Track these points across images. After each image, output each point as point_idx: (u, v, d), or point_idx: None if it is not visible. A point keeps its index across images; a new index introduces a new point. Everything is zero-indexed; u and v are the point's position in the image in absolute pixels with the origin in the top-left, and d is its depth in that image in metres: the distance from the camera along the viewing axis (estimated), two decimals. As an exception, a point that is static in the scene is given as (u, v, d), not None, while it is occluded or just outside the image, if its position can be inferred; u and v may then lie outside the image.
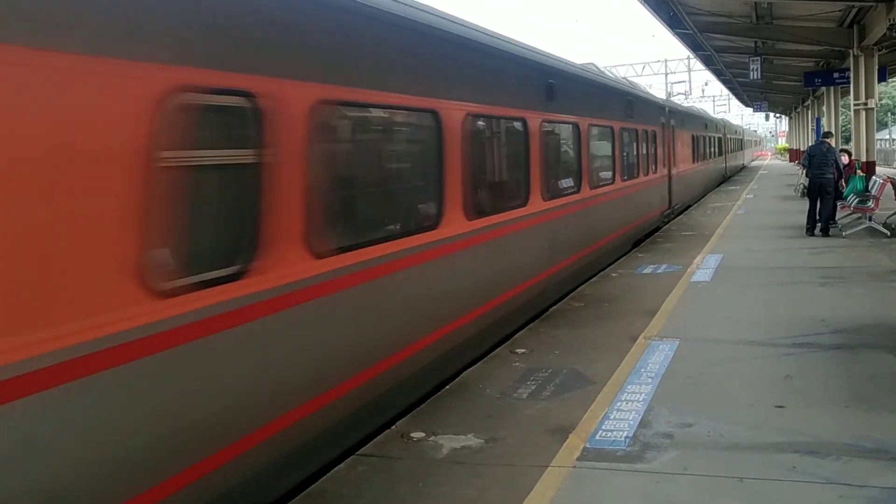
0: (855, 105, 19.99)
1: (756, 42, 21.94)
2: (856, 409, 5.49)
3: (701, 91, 77.35)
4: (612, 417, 5.51)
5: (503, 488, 4.46)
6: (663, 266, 12.23)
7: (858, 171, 16.17)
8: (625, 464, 4.72)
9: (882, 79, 23.29)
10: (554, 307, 9.53)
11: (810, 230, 15.41)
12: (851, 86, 20.14)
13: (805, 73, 24.57)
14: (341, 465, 4.89)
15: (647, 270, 11.95)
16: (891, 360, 6.60)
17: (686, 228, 17.83)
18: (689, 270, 11.62)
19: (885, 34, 17.23)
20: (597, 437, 5.15)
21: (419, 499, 4.38)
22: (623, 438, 5.10)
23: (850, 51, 19.65)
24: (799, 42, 21.82)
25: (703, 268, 11.82)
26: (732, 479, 4.44)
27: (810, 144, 18.18)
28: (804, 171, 16.79)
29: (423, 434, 5.36)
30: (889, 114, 69.07)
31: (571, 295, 10.25)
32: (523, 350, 7.49)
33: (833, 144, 16.01)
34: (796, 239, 14.83)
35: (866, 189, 16.43)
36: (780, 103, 55.46)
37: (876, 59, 19.42)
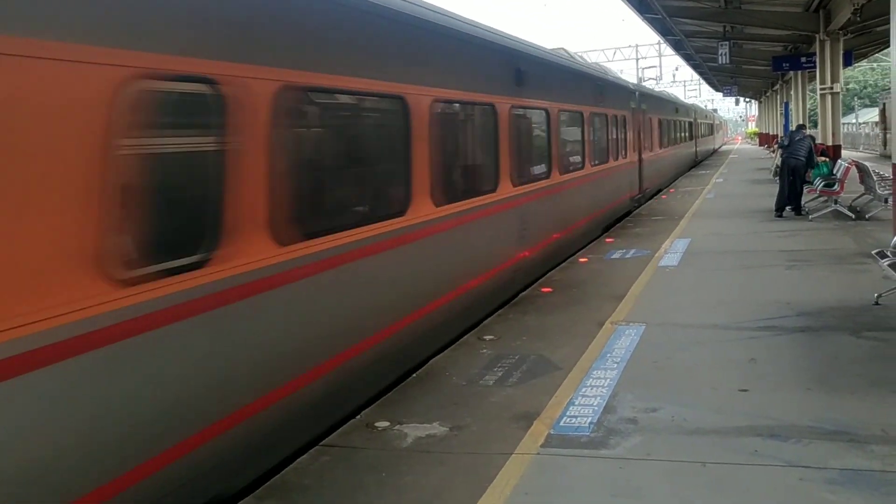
0: (821, 89, 20.18)
1: (725, 27, 22.02)
2: (817, 392, 5.54)
3: (672, 76, 77.89)
4: (576, 403, 5.51)
5: (467, 476, 4.44)
6: (632, 251, 12.27)
7: (820, 158, 16.37)
8: (588, 450, 4.72)
9: (847, 63, 23.53)
10: (523, 293, 9.52)
11: (779, 213, 15.66)
12: (818, 70, 20.34)
13: (773, 57, 24.74)
14: (304, 455, 4.84)
15: (616, 255, 11.99)
16: (852, 342, 6.67)
17: (656, 213, 17.91)
18: (657, 255, 11.67)
19: (849, 19, 17.40)
20: (561, 424, 5.14)
21: (382, 489, 4.34)
22: (587, 424, 5.10)
23: (817, 35, 19.82)
24: (767, 27, 21.97)
25: (671, 252, 11.88)
26: (695, 464, 4.46)
27: (791, 130, 18.43)
28: (780, 152, 17.09)
29: (388, 423, 5.32)
30: (856, 98, 69.89)
31: (540, 280, 10.25)
32: (491, 336, 7.47)
33: (807, 135, 16.39)
34: (764, 222, 14.96)
35: (831, 173, 16.63)
36: (750, 88, 55.88)
37: (841, 44, 19.60)
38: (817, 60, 20.17)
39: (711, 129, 53.16)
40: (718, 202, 19.65)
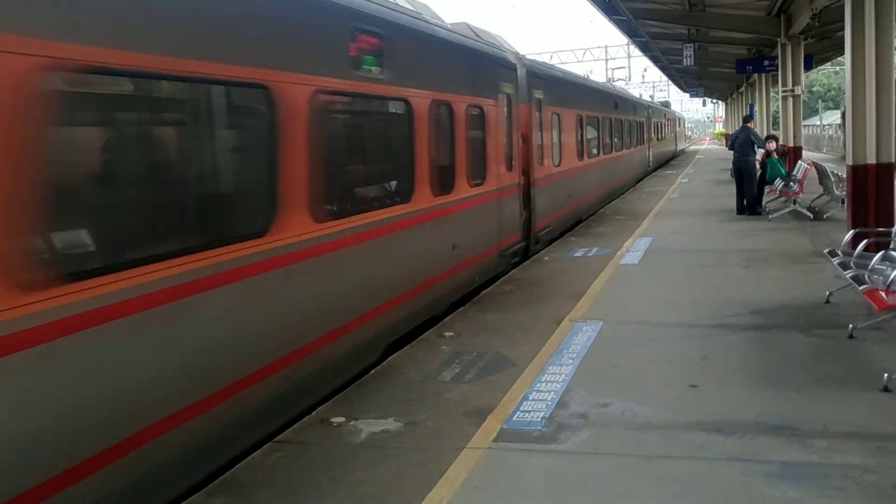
0: (783, 92, 20.52)
1: (689, 29, 22.32)
2: (765, 388, 5.67)
3: (641, 77, 78.46)
4: (530, 399, 5.58)
5: (418, 471, 4.49)
6: (594, 249, 12.41)
7: (775, 154, 16.62)
8: (539, 444, 4.80)
9: (808, 67, 23.95)
10: (485, 291, 9.60)
11: (740, 211, 15.99)
12: (780, 73, 20.67)
13: (737, 60, 25.12)
14: (257, 452, 4.86)
15: (579, 254, 12.12)
16: (801, 340, 6.82)
17: (620, 213, 18.10)
18: (618, 254, 11.81)
19: (808, 24, 17.72)
20: (514, 419, 5.22)
21: (333, 485, 4.38)
22: (539, 419, 5.18)
23: (778, 39, 20.14)
24: (730, 30, 22.30)
25: (633, 251, 12.03)
26: (641, 458, 4.55)
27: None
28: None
29: (344, 419, 5.36)
30: (820, 101, 71.01)
31: (503, 279, 10.33)
32: (451, 333, 7.53)
33: (752, 128, 16.56)
34: (725, 222, 15.19)
35: (788, 173, 16.91)
36: (717, 89, 56.59)
37: (802, 48, 19.95)
38: (779, 63, 20.51)
39: (670, 130, 44.84)
40: (682, 202, 19.90)
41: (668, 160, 42.77)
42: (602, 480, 4.31)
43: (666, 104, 53.50)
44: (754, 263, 10.61)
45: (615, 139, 21.29)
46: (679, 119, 58.18)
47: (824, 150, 46.99)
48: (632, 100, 28.70)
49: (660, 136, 36.24)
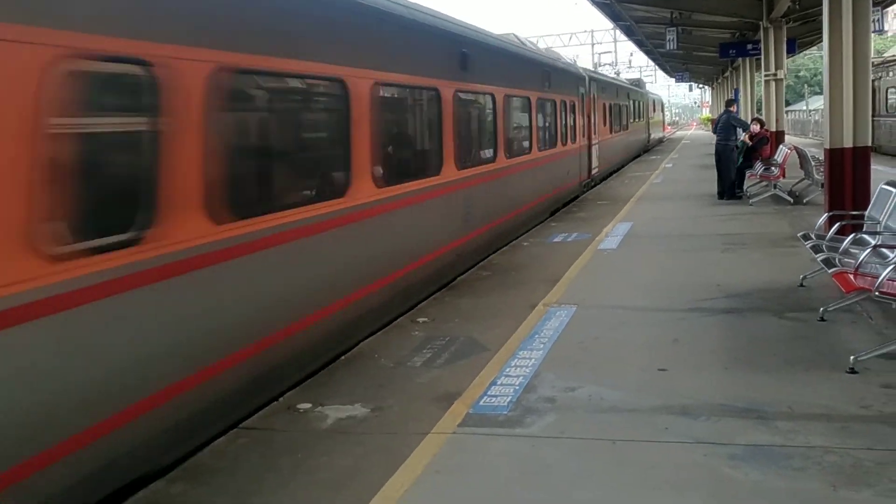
0: (765, 76, 20.51)
1: (672, 13, 22.24)
2: (734, 371, 5.67)
3: (628, 62, 78.39)
4: (498, 383, 5.56)
5: (381, 456, 4.46)
6: (574, 234, 12.39)
7: (747, 139, 16.66)
8: (504, 429, 4.78)
9: (791, 51, 23.92)
10: (462, 276, 9.56)
11: (721, 195, 16.01)
12: (762, 57, 20.65)
13: (720, 44, 25.04)
14: (222, 438, 4.82)
15: (558, 239, 12.10)
16: (774, 323, 6.83)
17: (601, 198, 18.09)
18: (597, 239, 11.80)
19: (790, 7, 17.69)
20: (481, 403, 5.20)
21: (296, 470, 4.35)
22: (506, 404, 5.16)
23: (760, 23, 20.11)
24: (713, 13, 22.24)
25: (612, 236, 12.02)
26: (605, 442, 4.54)
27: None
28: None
29: (310, 405, 5.32)
30: (806, 85, 71.13)
31: (481, 264, 10.30)
32: (425, 319, 7.51)
33: (734, 111, 16.55)
34: (707, 207, 15.20)
35: (750, 151, 16.86)
36: (702, 74, 56.57)
37: (784, 32, 19.93)
38: (762, 47, 20.49)
39: (636, 115, 33.35)
40: (665, 186, 19.91)
41: (636, 155, 33.15)
42: (565, 463, 4.29)
43: (637, 83, 41.23)
44: (732, 248, 10.62)
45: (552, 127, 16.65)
46: (655, 102, 46.36)
47: (810, 135, 47.13)
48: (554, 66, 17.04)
49: (620, 122, 26.63)
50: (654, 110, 45.16)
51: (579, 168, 18.26)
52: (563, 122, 16.09)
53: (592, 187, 20.16)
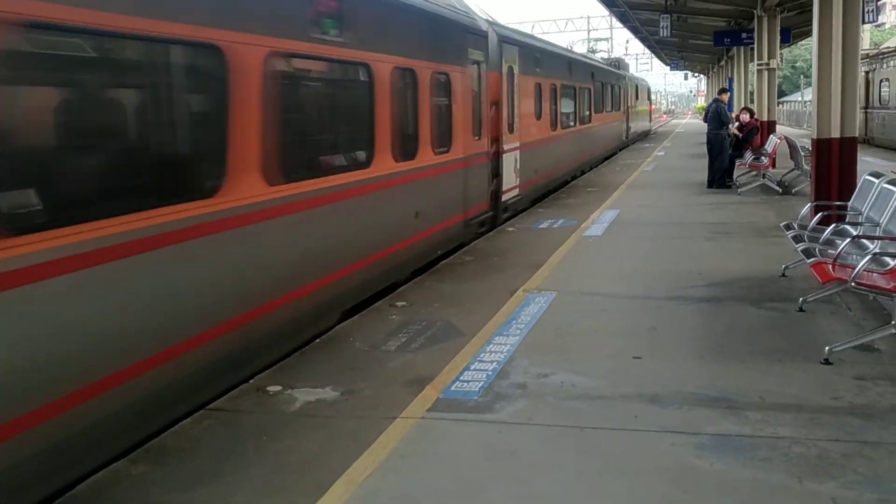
0: (759, 65, 20.41)
1: (666, 0, 22.09)
2: (708, 360, 5.64)
3: (624, 49, 78.07)
4: (472, 369, 5.52)
5: (348, 440, 4.42)
6: (560, 221, 12.35)
7: (733, 129, 16.62)
8: (473, 414, 4.74)
9: (786, 41, 23.82)
10: (444, 260, 9.51)
11: (710, 184, 15.99)
12: (755, 46, 20.54)
13: (715, 32, 24.90)
14: (187, 419, 4.77)
15: (544, 225, 12.05)
16: (752, 313, 6.80)
17: (591, 185, 18.04)
18: (583, 226, 11.76)
19: (783, -5, 17.58)
20: (452, 389, 5.16)
21: (258, 453, 4.31)
22: (477, 389, 5.12)
23: (755, 11, 19.99)
24: (708, 1, 22.09)
25: (598, 223, 11.98)
26: (574, 429, 4.51)
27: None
28: None
29: (280, 388, 5.28)
30: (802, 76, 71.01)
31: (464, 248, 10.25)
32: (403, 303, 7.45)
33: (724, 101, 16.50)
34: (694, 195, 15.16)
35: (741, 142, 16.84)
36: (698, 62, 56.31)
37: (778, 21, 19.81)
38: (755, 36, 20.38)
39: (623, 103, 29.44)
40: (655, 174, 19.87)
41: (608, 155, 26.11)
42: (531, 450, 4.26)
43: (616, 63, 32.71)
44: (717, 236, 10.60)
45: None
46: (639, 88, 37.52)
47: (805, 126, 47.07)
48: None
49: (575, 114, 19.50)
50: (638, 98, 36.27)
51: (463, 197, 10.23)
52: (404, 116, 8.44)
53: (506, 220, 12.59)
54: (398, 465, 4.12)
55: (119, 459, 4.23)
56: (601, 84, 23.72)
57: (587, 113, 21.00)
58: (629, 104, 32.29)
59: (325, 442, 4.43)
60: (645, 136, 39.93)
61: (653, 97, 56.50)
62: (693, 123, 61.78)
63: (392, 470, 4.07)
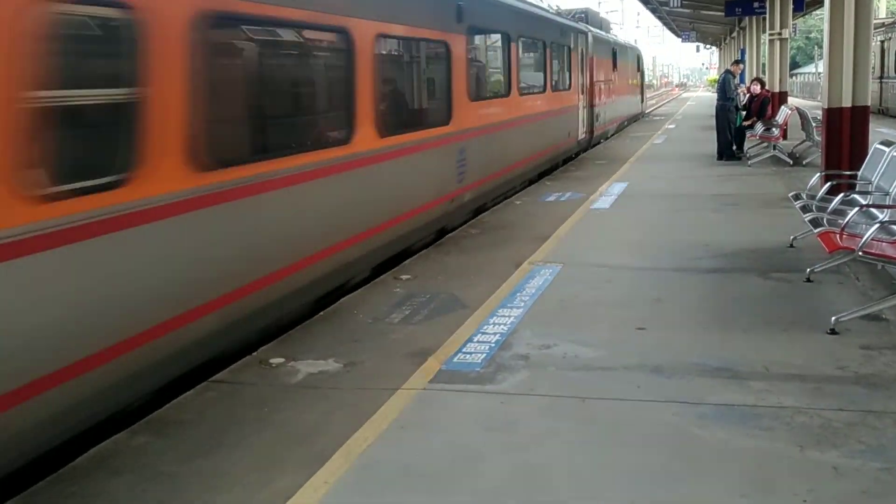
0: (770, 35, 20.14)
1: (678, -31, 21.82)
2: (712, 330, 5.60)
3: (636, 21, 77.21)
4: (475, 340, 5.50)
5: (348, 412, 4.42)
6: (567, 194, 12.26)
7: (743, 92, 16.47)
8: (475, 385, 4.73)
9: (799, 9, 23.47)
10: (450, 234, 9.47)
11: (720, 156, 15.85)
12: (767, 15, 20.25)
13: (726, 2, 24.55)
14: (190, 391, 4.78)
15: (551, 198, 11.97)
16: (758, 283, 6.75)
17: (600, 157, 17.91)
18: (591, 198, 11.67)
19: (797, -37, 17.26)
20: (454, 360, 5.14)
21: (260, 424, 4.31)
22: (480, 361, 5.10)
23: (767, -21, 19.71)
24: (719, -31, 21.79)
25: (606, 195, 11.89)
26: (575, 399, 4.49)
27: None
28: None
29: (283, 360, 5.27)
30: (816, 47, 70.08)
31: (470, 222, 10.20)
32: (408, 276, 7.43)
33: (735, 72, 16.31)
34: (704, 167, 15.03)
35: (748, 114, 16.65)
36: (710, 34, 55.69)
37: (791, -11, 19.52)
38: (767, 5, 20.08)
39: (583, 75, 18.76)
40: (665, 147, 19.72)
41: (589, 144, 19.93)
42: (532, 420, 4.25)
43: (583, 14, 21.57)
44: (726, 208, 10.51)
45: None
46: (618, 53, 25.87)
47: (818, 98, 46.53)
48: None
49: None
50: (617, 68, 24.89)
51: None
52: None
53: None
54: (398, 435, 4.12)
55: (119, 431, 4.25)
56: (532, 47, 14.29)
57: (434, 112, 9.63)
58: (601, 77, 21.39)
59: (326, 413, 4.43)
60: (633, 120, 30.40)
61: (665, 70, 52.93)
62: (705, 96, 61.21)
63: (392, 440, 4.06)
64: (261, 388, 4.85)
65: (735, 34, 39.71)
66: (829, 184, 7.77)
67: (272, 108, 6.32)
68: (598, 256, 7.97)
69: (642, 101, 34.28)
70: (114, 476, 3.78)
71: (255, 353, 5.41)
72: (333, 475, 3.70)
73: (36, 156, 3.73)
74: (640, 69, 33.32)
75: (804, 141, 15.71)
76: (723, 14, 27.61)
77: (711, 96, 57.43)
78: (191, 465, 3.87)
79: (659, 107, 45.17)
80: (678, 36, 59.15)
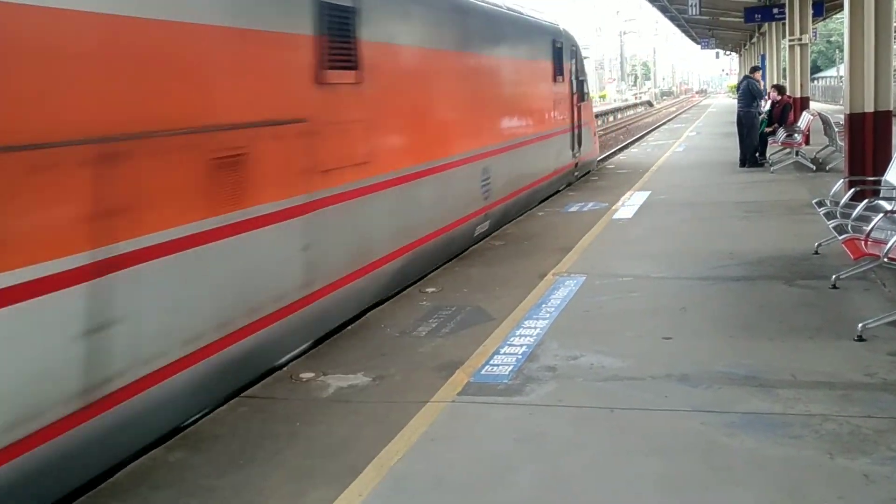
0: (790, 41, 20.08)
1: (695, -23, 21.83)
2: (738, 339, 5.61)
3: (654, 29, 77.14)
4: (502, 352, 5.55)
5: (378, 425, 4.48)
6: (590, 204, 12.29)
7: (764, 108, 16.39)
8: (503, 397, 4.78)
9: (818, 14, 23.38)
10: (474, 246, 9.54)
11: (742, 163, 15.80)
12: (787, 21, 20.19)
13: (745, 8, 24.53)
14: (223, 406, 4.87)
15: (574, 209, 12.01)
16: (783, 290, 6.74)
17: (622, 167, 17.92)
18: (613, 208, 11.70)
19: (816, -32, 17.23)
20: (482, 372, 5.19)
21: (293, 438, 4.39)
22: (507, 373, 5.15)
23: (786, -15, 19.67)
24: (737, -24, 21.79)
25: (629, 205, 11.91)
26: (603, 410, 4.53)
27: None
28: None
29: (313, 374, 5.35)
30: (837, 51, 69.56)
31: (494, 234, 10.27)
32: (433, 289, 7.50)
33: (755, 78, 16.26)
34: (726, 174, 15.00)
35: (770, 120, 16.56)
36: (729, 40, 55.52)
37: (811, -6, 19.47)
38: (787, 11, 20.03)
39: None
40: (687, 155, 19.68)
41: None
42: (561, 431, 4.29)
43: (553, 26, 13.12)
44: (749, 215, 10.49)
45: None
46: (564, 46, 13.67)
47: (840, 102, 46.18)
48: None
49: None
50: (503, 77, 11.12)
51: None
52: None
53: None
54: (428, 448, 4.18)
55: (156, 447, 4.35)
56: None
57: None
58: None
59: (356, 427, 4.50)
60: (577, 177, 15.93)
61: (685, 78, 50.85)
62: (725, 103, 60.95)
63: (422, 453, 4.12)
64: (292, 402, 4.93)
65: (755, 40, 39.61)
66: (852, 190, 7.75)
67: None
68: (622, 266, 7.99)
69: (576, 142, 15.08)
70: (154, 490, 3.87)
71: (285, 368, 5.50)
72: (366, 488, 3.77)
73: None
74: (576, 77, 15.25)
75: (827, 146, 15.64)
76: (742, 20, 27.54)
77: (731, 103, 57.34)
78: (227, 479, 3.95)
79: (669, 118, 44.88)
80: (697, 43, 59.03)
